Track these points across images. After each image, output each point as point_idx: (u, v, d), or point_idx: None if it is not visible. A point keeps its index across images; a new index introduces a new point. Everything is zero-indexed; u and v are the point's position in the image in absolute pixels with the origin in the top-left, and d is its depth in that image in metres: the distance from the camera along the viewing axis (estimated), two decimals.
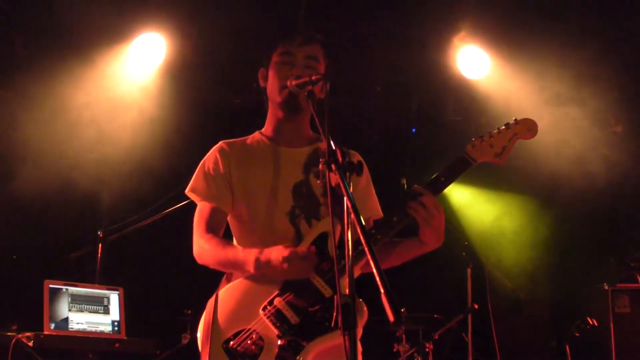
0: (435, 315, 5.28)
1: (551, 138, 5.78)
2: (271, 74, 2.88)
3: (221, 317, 2.62)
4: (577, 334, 5.52)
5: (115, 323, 4.69)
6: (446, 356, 5.81)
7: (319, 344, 2.54)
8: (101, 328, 4.60)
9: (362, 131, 6.43)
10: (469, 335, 5.16)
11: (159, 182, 5.58)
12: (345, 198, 2.07)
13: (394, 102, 6.46)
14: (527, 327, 6.45)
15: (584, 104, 5.74)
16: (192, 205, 2.93)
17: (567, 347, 5.56)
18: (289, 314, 2.56)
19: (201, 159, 2.93)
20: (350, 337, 1.94)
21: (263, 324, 2.58)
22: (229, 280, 2.74)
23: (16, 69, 5.38)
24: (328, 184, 2.19)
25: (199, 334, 2.66)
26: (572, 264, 6.22)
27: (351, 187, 2.13)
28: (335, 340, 2.51)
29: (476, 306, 5.07)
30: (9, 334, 4.21)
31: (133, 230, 5.18)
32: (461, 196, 6.81)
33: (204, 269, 2.79)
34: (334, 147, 2.22)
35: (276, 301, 2.60)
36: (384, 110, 6.48)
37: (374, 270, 1.88)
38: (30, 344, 4.11)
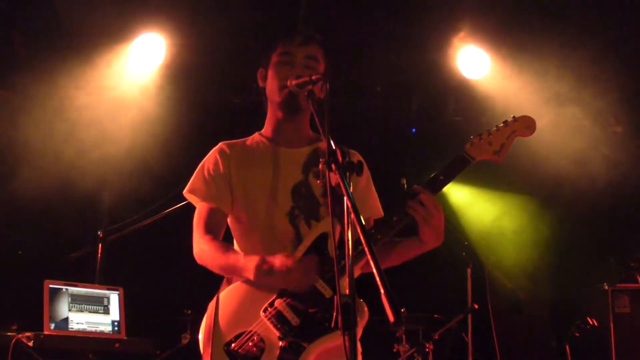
0: (435, 315, 5.28)
1: (551, 138, 5.78)
2: (271, 74, 2.87)
3: (222, 319, 2.62)
4: (577, 334, 5.51)
5: (115, 323, 4.69)
6: (446, 356, 5.81)
7: (320, 345, 2.54)
8: (101, 328, 4.60)
9: (362, 131, 6.43)
10: (469, 335, 5.16)
11: (159, 182, 5.58)
12: (345, 198, 2.07)
13: (394, 102, 6.46)
14: (527, 327, 6.45)
15: (584, 104, 5.74)
16: (192, 205, 2.93)
17: (567, 347, 5.56)
18: (290, 315, 2.56)
19: (201, 159, 2.93)
20: (350, 337, 1.94)
21: (264, 326, 2.58)
22: (229, 283, 2.74)
23: (16, 69, 5.38)
24: (328, 184, 2.19)
25: (201, 336, 2.66)
26: (572, 264, 6.22)
27: (351, 187, 2.13)
28: (335, 340, 2.51)
29: (476, 306, 5.07)
30: (9, 334, 4.21)
31: (133, 230, 5.18)
32: (461, 196, 6.81)
33: (204, 269, 2.78)
34: (334, 147, 2.22)
35: (277, 303, 2.60)
36: (384, 110, 6.48)
37: (374, 270, 1.87)
38: (30, 344, 4.12)
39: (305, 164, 2.84)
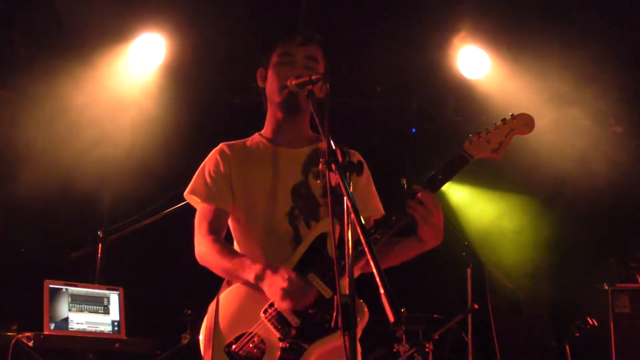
0: (435, 315, 5.28)
1: (552, 138, 5.79)
2: (270, 74, 2.87)
3: (222, 321, 2.62)
4: (577, 334, 5.51)
5: (115, 323, 4.69)
6: (446, 356, 5.81)
7: (320, 345, 2.53)
8: (101, 328, 4.60)
9: (362, 131, 6.43)
10: (469, 335, 5.16)
11: (159, 182, 5.58)
12: (345, 198, 2.07)
13: (394, 102, 6.46)
14: (527, 327, 6.45)
15: (585, 104, 5.74)
16: (192, 205, 2.93)
17: (567, 347, 5.56)
18: (290, 316, 2.55)
19: (201, 159, 2.93)
20: (350, 337, 1.94)
21: (264, 327, 2.58)
22: (229, 284, 2.74)
23: (16, 69, 5.38)
24: (328, 184, 2.19)
25: (201, 337, 2.66)
26: (572, 264, 6.22)
27: (351, 187, 2.13)
28: (336, 341, 2.51)
29: (476, 306, 5.07)
30: (9, 334, 4.21)
31: (133, 230, 5.18)
32: (461, 196, 6.81)
33: (204, 269, 2.78)
34: (333, 147, 2.22)
35: None
36: (384, 110, 6.48)
37: (374, 271, 1.87)
38: (30, 344, 4.11)
39: (305, 164, 2.84)
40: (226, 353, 2.57)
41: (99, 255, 5.06)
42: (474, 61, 5.85)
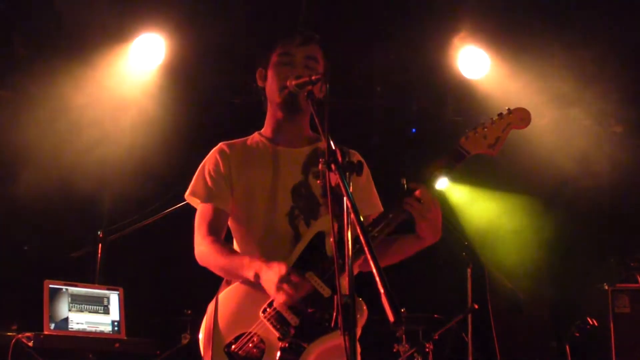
0: (435, 315, 5.28)
1: (552, 138, 5.78)
2: (270, 74, 2.87)
3: (222, 321, 2.62)
4: (577, 334, 5.51)
5: (115, 323, 4.69)
6: (446, 356, 5.81)
7: (320, 344, 2.53)
8: (101, 328, 4.60)
9: (362, 131, 6.43)
10: (469, 335, 5.16)
11: (159, 182, 5.58)
12: (345, 198, 2.07)
13: (394, 102, 6.46)
14: (527, 327, 6.45)
15: (585, 104, 5.74)
16: (192, 205, 2.93)
17: (567, 347, 5.56)
18: (289, 315, 2.55)
19: (201, 159, 2.92)
20: (350, 337, 1.94)
21: (264, 327, 2.58)
22: (228, 284, 2.74)
23: (16, 69, 5.38)
24: (328, 184, 2.19)
25: (201, 337, 2.66)
26: (572, 264, 6.22)
27: (351, 187, 2.13)
28: (335, 340, 2.51)
29: (476, 306, 5.07)
30: (9, 334, 4.22)
31: (133, 230, 5.18)
32: (461, 196, 6.81)
33: (204, 269, 2.78)
34: (333, 147, 2.22)
35: (276, 303, 2.60)
36: (384, 110, 6.48)
37: (374, 271, 1.87)
38: (30, 344, 4.12)
39: (305, 164, 2.84)
40: (226, 353, 2.57)
41: (99, 255, 5.06)
42: (474, 61, 5.85)
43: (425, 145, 6.56)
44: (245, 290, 2.66)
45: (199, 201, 2.85)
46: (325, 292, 2.55)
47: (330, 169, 2.19)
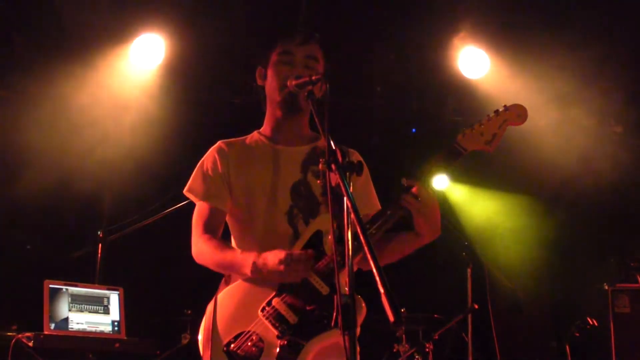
0: (435, 315, 5.28)
1: (552, 138, 5.78)
2: (270, 73, 2.87)
3: (221, 320, 2.62)
4: (577, 334, 5.51)
5: (115, 323, 4.69)
6: (446, 356, 5.81)
7: (318, 342, 2.54)
8: (101, 328, 4.60)
9: (362, 131, 6.43)
10: (469, 335, 5.16)
11: (159, 182, 5.58)
12: (345, 198, 2.07)
13: (394, 102, 6.46)
14: (527, 327, 6.45)
15: (585, 104, 5.74)
16: (192, 205, 2.93)
17: (567, 347, 5.56)
18: (288, 313, 2.56)
19: (201, 159, 2.93)
20: (350, 337, 1.94)
21: (262, 325, 2.58)
22: (227, 283, 2.74)
23: (16, 69, 5.38)
24: (328, 184, 2.19)
25: (200, 338, 2.66)
26: (572, 264, 6.22)
27: (351, 187, 2.13)
28: (333, 338, 2.51)
29: (476, 306, 5.07)
30: (9, 334, 4.22)
31: (133, 230, 5.18)
32: (461, 195, 6.81)
33: (204, 269, 2.79)
34: (333, 147, 2.22)
35: (274, 302, 2.60)
36: (384, 110, 6.48)
37: (374, 270, 1.87)
38: (30, 344, 4.12)
39: (304, 162, 2.85)
40: (225, 353, 2.57)
41: (99, 255, 5.06)
42: (474, 61, 5.84)
43: (425, 145, 6.56)
44: (244, 289, 2.66)
45: (196, 198, 2.86)
46: (324, 289, 2.56)
47: (330, 169, 2.19)
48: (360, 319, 2.52)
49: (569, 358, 5.52)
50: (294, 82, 2.63)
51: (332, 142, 2.24)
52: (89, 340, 4.43)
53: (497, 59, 5.82)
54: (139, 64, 5.56)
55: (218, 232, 2.82)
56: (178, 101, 5.75)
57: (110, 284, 4.83)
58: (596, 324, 5.48)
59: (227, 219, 2.87)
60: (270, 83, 2.87)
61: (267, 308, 2.59)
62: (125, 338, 4.65)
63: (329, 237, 2.62)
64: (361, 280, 2.28)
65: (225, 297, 2.68)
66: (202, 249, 2.75)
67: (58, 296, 4.50)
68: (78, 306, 4.56)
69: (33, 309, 4.49)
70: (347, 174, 2.18)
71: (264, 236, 2.75)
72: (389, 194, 2.75)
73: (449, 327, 5.06)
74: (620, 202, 6.12)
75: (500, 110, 2.71)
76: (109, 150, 5.52)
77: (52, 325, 4.38)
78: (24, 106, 5.39)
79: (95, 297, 4.67)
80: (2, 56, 5.39)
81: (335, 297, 1.98)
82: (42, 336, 4.20)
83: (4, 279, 5.18)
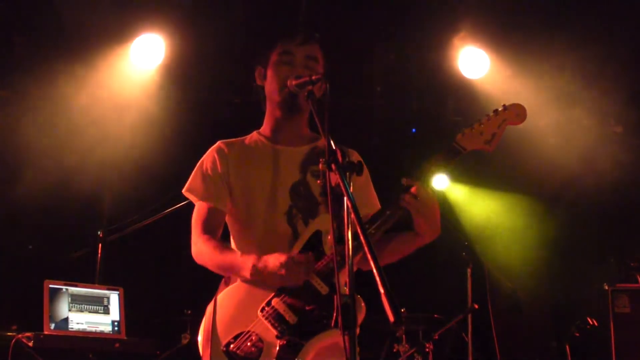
0: (435, 315, 5.28)
1: (552, 138, 5.79)
2: (270, 73, 2.87)
3: (220, 321, 2.62)
4: (577, 334, 5.51)
5: (115, 323, 4.69)
6: (446, 356, 5.81)
7: (318, 342, 2.54)
8: (101, 328, 4.60)
9: (362, 131, 6.43)
10: (469, 335, 5.16)
11: (159, 182, 5.58)
12: (345, 198, 2.07)
13: (394, 102, 6.46)
14: (527, 327, 6.45)
15: (585, 104, 5.74)
16: (191, 205, 2.93)
17: (567, 347, 5.56)
18: (287, 314, 2.56)
19: (200, 159, 2.93)
20: (350, 337, 1.94)
21: (262, 325, 2.58)
22: (227, 284, 2.74)
23: (16, 69, 5.38)
24: (328, 184, 2.19)
25: (200, 339, 2.66)
26: (572, 264, 6.22)
27: (351, 187, 2.13)
28: (333, 337, 2.51)
29: (476, 306, 5.07)
30: (9, 334, 4.22)
31: (133, 230, 5.18)
32: (461, 195, 6.81)
33: (204, 269, 2.79)
34: (334, 147, 2.22)
35: (274, 302, 2.60)
36: (384, 110, 6.48)
37: (374, 271, 1.87)
38: (30, 344, 4.12)
39: (303, 162, 2.84)
40: (224, 353, 2.57)
41: (99, 255, 5.06)
42: (474, 61, 5.85)
43: (425, 145, 6.56)
44: (243, 290, 2.66)
45: (196, 198, 2.86)
46: (323, 289, 2.56)
47: (330, 169, 2.19)
48: (360, 318, 2.52)
49: (569, 358, 5.52)
50: (294, 82, 2.63)
51: (332, 142, 2.24)
52: (89, 340, 4.43)
53: (497, 59, 5.82)
54: (139, 64, 5.56)
55: (218, 232, 2.82)
56: (178, 101, 5.75)
57: (110, 284, 4.83)
58: (596, 324, 5.48)
59: (227, 219, 2.86)
60: (270, 83, 2.87)
61: (266, 308, 2.59)
62: (125, 338, 4.64)
63: (329, 237, 2.62)
64: (361, 280, 2.28)
65: (225, 298, 2.68)
66: (201, 249, 2.75)
67: (58, 296, 4.50)
68: (78, 306, 4.56)
69: (33, 309, 4.49)
70: (347, 173, 2.18)
71: (263, 236, 2.75)
72: (389, 194, 2.75)
73: (449, 327, 5.06)
74: (620, 202, 6.12)
75: (500, 109, 2.71)
76: (109, 150, 5.52)
77: (52, 325, 4.38)
78: (24, 106, 5.39)
79: (95, 297, 4.67)
80: (2, 56, 5.39)
81: (335, 297, 1.98)
82: (42, 336, 4.20)
83: (4, 279, 5.18)
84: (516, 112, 2.70)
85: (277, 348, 2.54)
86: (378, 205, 2.91)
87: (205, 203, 2.82)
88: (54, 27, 5.27)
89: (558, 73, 5.57)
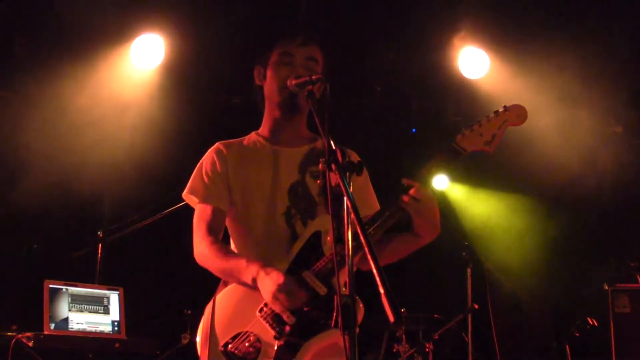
0: (435, 315, 5.28)
1: (553, 138, 5.78)
2: (270, 73, 2.87)
3: (219, 321, 2.62)
4: (577, 334, 5.51)
5: (115, 323, 4.69)
6: (446, 356, 5.81)
7: (316, 343, 2.54)
8: (101, 328, 4.60)
9: (362, 131, 6.43)
10: (469, 335, 5.16)
11: (159, 182, 5.58)
12: (345, 198, 2.07)
13: (394, 102, 6.46)
14: (527, 327, 6.45)
15: (585, 104, 5.74)
16: (190, 205, 2.93)
17: (567, 347, 5.56)
18: (285, 314, 2.55)
19: (199, 161, 2.92)
20: (350, 337, 1.94)
21: (260, 326, 2.58)
22: (226, 285, 2.74)
23: (16, 69, 5.38)
24: (328, 184, 2.19)
25: (198, 339, 2.66)
26: (573, 264, 6.22)
27: (350, 187, 2.13)
28: (331, 338, 2.52)
29: (476, 306, 5.07)
30: (9, 334, 4.22)
31: (133, 230, 5.18)
32: (461, 196, 6.81)
33: (204, 269, 2.78)
34: (333, 147, 2.22)
35: None
36: (384, 110, 6.48)
37: (374, 271, 1.87)
38: (30, 344, 4.12)
39: (302, 163, 2.84)
40: (223, 353, 2.57)
41: (99, 255, 5.06)
42: (474, 61, 5.85)
43: (425, 145, 6.56)
44: (242, 290, 2.66)
45: (196, 200, 2.85)
46: (322, 290, 2.56)
47: (330, 169, 2.19)
48: (358, 319, 2.51)
49: (569, 358, 5.52)
50: (294, 82, 2.63)
51: (332, 142, 2.24)
52: (89, 340, 4.43)
53: (497, 59, 5.82)
54: (139, 64, 5.56)
55: (220, 233, 2.81)
56: (178, 101, 5.75)
57: (110, 284, 4.83)
58: (596, 324, 5.48)
59: (226, 219, 2.86)
60: (269, 83, 2.87)
61: (265, 309, 2.59)
62: (125, 338, 4.65)
63: (328, 237, 2.62)
64: (360, 280, 2.28)
65: (224, 298, 2.68)
66: (204, 252, 2.74)
67: (58, 296, 4.50)
68: (78, 306, 4.56)
69: (33, 309, 4.49)
70: (347, 173, 2.18)
71: (262, 237, 2.75)
72: (389, 194, 2.75)
73: (449, 327, 5.06)
74: (620, 202, 6.12)
75: (500, 110, 2.71)
76: (109, 151, 5.52)
77: (52, 325, 4.38)
78: (24, 106, 5.39)
79: (95, 297, 4.67)
80: (2, 57, 5.39)
81: (335, 297, 1.98)
82: (42, 336, 4.20)
83: (4, 279, 5.18)
84: (517, 113, 2.69)
85: (275, 348, 2.54)
86: (377, 206, 2.90)
87: (207, 204, 2.81)
88: (54, 28, 5.27)
89: (558, 73, 5.56)
